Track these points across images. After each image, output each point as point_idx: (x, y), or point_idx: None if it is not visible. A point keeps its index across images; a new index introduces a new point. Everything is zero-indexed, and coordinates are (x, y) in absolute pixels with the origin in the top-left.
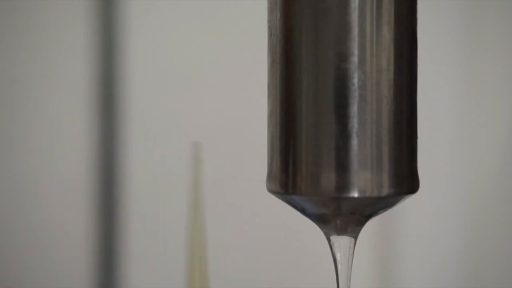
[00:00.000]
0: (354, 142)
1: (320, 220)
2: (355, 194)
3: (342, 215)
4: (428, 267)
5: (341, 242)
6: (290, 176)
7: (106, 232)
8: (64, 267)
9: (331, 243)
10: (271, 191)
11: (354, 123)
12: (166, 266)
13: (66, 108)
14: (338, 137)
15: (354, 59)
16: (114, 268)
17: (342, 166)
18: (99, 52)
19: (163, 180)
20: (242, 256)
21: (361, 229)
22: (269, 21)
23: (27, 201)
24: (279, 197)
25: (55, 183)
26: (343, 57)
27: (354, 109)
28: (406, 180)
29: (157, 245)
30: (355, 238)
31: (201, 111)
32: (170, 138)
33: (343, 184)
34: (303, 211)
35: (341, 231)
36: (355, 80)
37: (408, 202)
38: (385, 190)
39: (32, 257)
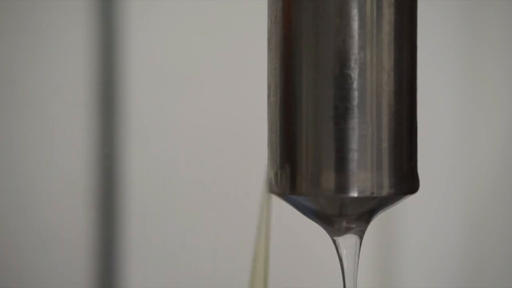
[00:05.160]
0: (354, 141)
1: (320, 220)
2: (355, 194)
3: (342, 215)
4: (428, 267)
5: (346, 241)
6: (290, 176)
7: (106, 233)
8: (64, 267)
9: (336, 243)
10: (271, 191)
11: (354, 123)
12: (167, 266)
13: (65, 108)
14: (338, 136)
15: (354, 63)
16: (114, 268)
17: (342, 166)
18: (99, 52)
19: (163, 180)
20: (242, 256)
21: (365, 228)
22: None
23: (27, 201)
24: (279, 197)
25: (55, 183)
26: (342, 57)
27: (354, 109)
28: (406, 180)
29: (157, 245)
30: (361, 237)
31: (201, 111)
32: (171, 138)
33: (343, 184)
34: (303, 211)
35: (342, 231)
36: (354, 80)
37: (408, 202)
38: (385, 190)
39: (32, 257)
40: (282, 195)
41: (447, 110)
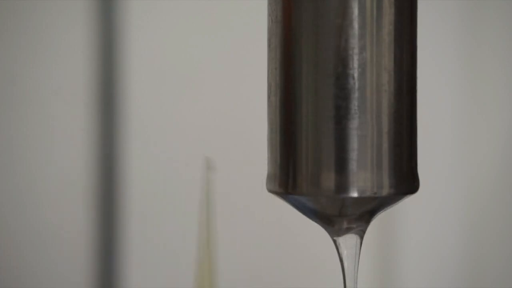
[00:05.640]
0: (354, 141)
1: (321, 220)
2: (355, 194)
3: (342, 215)
4: (428, 267)
5: (347, 242)
6: (290, 176)
7: (106, 233)
8: (64, 267)
9: (336, 243)
10: (271, 191)
11: (355, 123)
12: (167, 266)
13: (65, 108)
14: (338, 136)
15: (354, 63)
16: (114, 268)
17: (342, 166)
18: (99, 52)
19: (163, 180)
20: (242, 256)
21: (366, 228)
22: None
23: (27, 201)
24: (279, 197)
25: (55, 183)
26: (342, 57)
27: (354, 109)
28: (406, 180)
29: (157, 245)
30: (361, 237)
31: (201, 111)
32: (170, 138)
33: (343, 184)
34: (303, 211)
35: (342, 231)
36: (355, 80)
37: (408, 202)
38: (385, 190)
39: (32, 257)
40: (282, 195)
41: (447, 110)
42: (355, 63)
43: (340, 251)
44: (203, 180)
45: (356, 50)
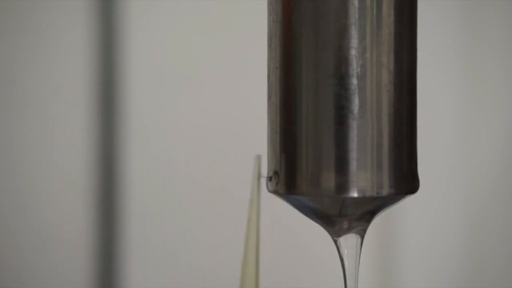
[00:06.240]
0: (354, 141)
1: (321, 220)
2: (355, 194)
3: (342, 215)
4: (428, 267)
5: (347, 241)
6: (290, 176)
7: (106, 233)
8: (64, 267)
9: (337, 243)
10: (271, 191)
11: (355, 123)
12: (167, 266)
13: (65, 108)
14: (338, 136)
15: (354, 63)
16: (114, 268)
17: (342, 166)
18: (99, 52)
19: (163, 180)
20: (242, 256)
21: (366, 228)
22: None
23: (27, 201)
24: (279, 197)
25: (55, 183)
26: (342, 57)
27: (354, 109)
28: (406, 180)
29: (157, 245)
30: (362, 237)
31: (201, 111)
32: (170, 138)
33: (343, 184)
34: (303, 211)
35: (342, 231)
36: (357, 81)
37: (408, 202)
38: (385, 190)
39: (32, 257)
40: (283, 195)
41: (447, 110)
42: (356, 63)
43: (340, 251)
44: (253, 179)
45: (357, 51)
